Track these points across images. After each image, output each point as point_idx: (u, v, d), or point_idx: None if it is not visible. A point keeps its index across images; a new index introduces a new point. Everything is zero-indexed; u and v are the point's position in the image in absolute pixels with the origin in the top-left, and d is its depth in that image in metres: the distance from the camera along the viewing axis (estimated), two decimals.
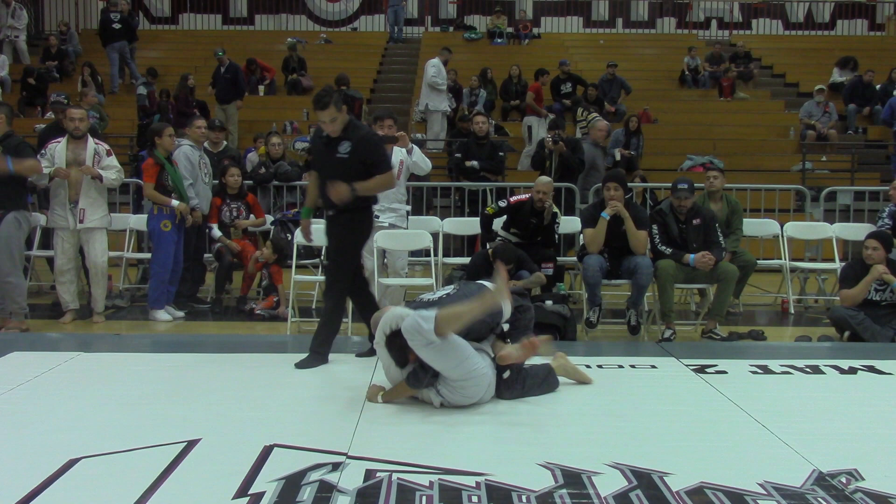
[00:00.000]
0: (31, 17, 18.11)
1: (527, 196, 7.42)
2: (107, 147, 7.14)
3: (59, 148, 6.89)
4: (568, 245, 8.54)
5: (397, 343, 4.32)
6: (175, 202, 7.15)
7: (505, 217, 7.42)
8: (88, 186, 6.93)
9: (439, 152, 13.22)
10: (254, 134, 12.27)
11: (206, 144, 8.09)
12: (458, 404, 4.35)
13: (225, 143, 9.19)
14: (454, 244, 9.24)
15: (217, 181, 8.03)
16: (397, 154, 7.07)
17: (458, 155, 10.08)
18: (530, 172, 11.45)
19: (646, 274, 6.55)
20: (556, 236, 7.43)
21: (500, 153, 10.20)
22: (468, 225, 8.21)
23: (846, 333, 6.54)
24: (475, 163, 9.81)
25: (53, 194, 6.95)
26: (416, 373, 4.33)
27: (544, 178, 7.38)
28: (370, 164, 5.26)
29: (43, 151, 6.94)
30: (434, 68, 13.52)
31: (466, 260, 7.72)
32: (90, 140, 7.01)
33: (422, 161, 7.07)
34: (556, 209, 7.38)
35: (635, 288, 6.66)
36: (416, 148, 7.09)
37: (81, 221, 6.91)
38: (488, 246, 7.24)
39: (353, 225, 5.35)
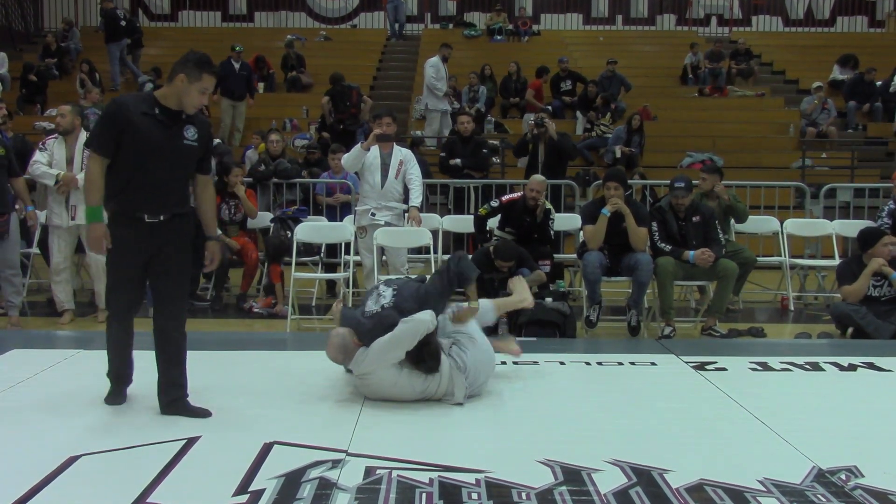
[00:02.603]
0: (31, 13, 18.09)
1: (518, 195, 7.44)
2: None
3: (56, 144, 6.91)
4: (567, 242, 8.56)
5: (431, 348, 4.30)
6: None
7: (499, 216, 7.43)
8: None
9: (436, 149, 13.22)
10: (253, 131, 12.30)
11: None
12: (478, 387, 4.52)
13: (216, 140, 9.16)
14: (454, 241, 9.25)
15: (217, 179, 8.00)
16: (397, 154, 7.08)
17: (442, 154, 10.16)
18: (524, 169, 11.45)
19: (646, 271, 6.54)
20: (552, 233, 7.43)
21: (484, 150, 10.26)
22: (468, 222, 8.20)
23: (849, 330, 6.55)
24: (458, 160, 9.89)
25: (50, 191, 6.94)
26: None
27: (538, 177, 7.41)
28: (204, 158, 4.31)
29: (42, 146, 6.95)
30: (433, 69, 13.47)
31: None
32: (82, 135, 6.99)
33: (416, 182, 7.09)
34: (549, 206, 7.38)
35: (636, 285, 6.65)
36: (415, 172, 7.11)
37: (73, 218, 6.90)
38: (493, 239, 7.26)
39: (190, 228, 4.31)
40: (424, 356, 4.29)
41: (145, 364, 5.33)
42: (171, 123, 4.06)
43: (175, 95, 4.05)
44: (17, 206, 6.91)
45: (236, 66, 13.70)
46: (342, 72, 13.02)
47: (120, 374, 4.38)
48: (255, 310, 7.53)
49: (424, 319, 4.29)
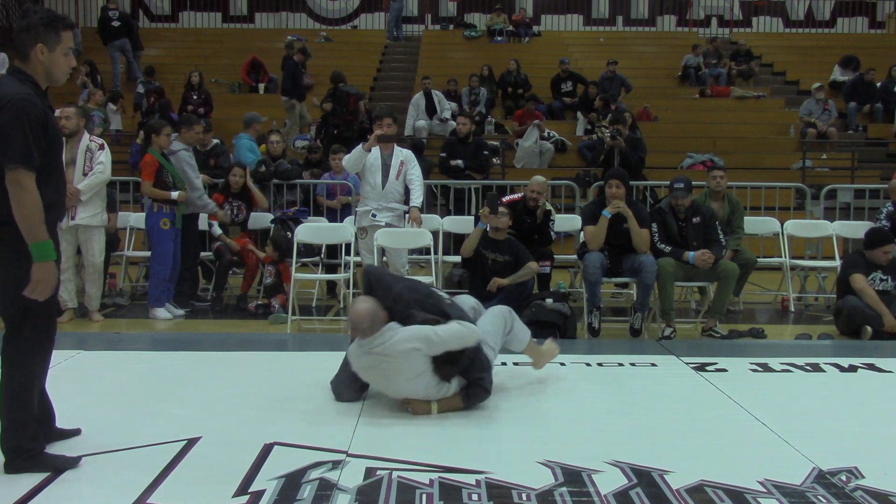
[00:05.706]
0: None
1: (519, 195, 7.47)
2: (99, 142, 7.06)
3: None
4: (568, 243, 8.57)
5: (463, 358, 4.15)
6: (174, 193, 7.14)
7: None
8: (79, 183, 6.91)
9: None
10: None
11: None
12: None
13: (215, 141, 9.16)
14: (454, 242, 9.25)
15: (223, 180, 8.04)
16: (398, 155, 7.09)
17: (442, 154, 10.25)
18: (525, 170, 11.48)
19: (650, 272, 6.52)
20: (553, 234, 7.44)
21: (485, 152, 10.36)
22: (468, 223, 8.21)
23: (869, 330, 6.59)
24: (459, 161, 9.97)
25: None
26: (476, 391, 4.27)
27: (539, 178, 7.42)
28: None
29: None
30: (441, 98, 13.64)
31: None
32: (85, 137, 6.98)
33: (417, 183, 7.12)
34: (549, 207, 7.40)
35: (641, 287, 6.64)
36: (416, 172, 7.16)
37: (73, 218, 6.89)
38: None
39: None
40: (450, 361, 4.09)
41: (143, 365, 5.36)
42: (52, 109, 3.43)
43: (41, 73, 3.34)
44: None
45: (303, 70, 13.86)
46: (342, 72, 13.01)
47: (27, 446, 3.34)
48: (274, 307, 7.45)
49: (479, 335, 4.22)
